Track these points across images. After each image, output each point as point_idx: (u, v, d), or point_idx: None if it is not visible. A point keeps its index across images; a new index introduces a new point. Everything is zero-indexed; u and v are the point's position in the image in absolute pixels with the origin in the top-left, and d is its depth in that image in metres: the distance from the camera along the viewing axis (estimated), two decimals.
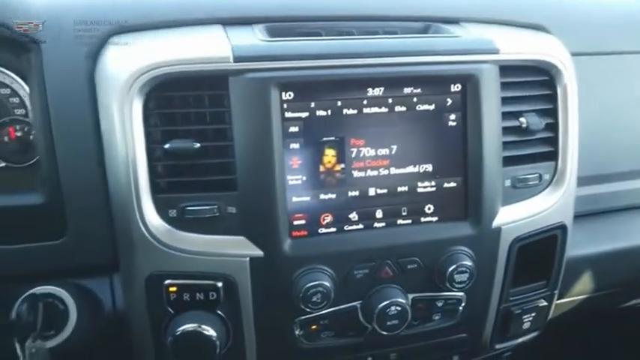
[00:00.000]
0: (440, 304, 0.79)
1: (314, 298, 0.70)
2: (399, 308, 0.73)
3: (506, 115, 0.78)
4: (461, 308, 0.80)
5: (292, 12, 0.79)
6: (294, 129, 0.70)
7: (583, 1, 1.00)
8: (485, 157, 0.75)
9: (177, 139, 0.68)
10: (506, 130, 0.79)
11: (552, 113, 0.83)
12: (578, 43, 0.89)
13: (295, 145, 0.70)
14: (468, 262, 0.75)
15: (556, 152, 0.83)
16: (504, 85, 0.78)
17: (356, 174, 0.73)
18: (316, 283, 0.70)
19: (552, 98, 0.83)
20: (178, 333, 0.69)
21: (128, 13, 0.73)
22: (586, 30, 0.94)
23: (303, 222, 0.72)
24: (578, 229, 0.90)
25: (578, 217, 0.90)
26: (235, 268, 0.70)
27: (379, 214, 0.75)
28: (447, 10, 0.85)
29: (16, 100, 0.79)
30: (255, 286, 0.71)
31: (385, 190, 0.74)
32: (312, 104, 0.70)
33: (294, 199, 0.71)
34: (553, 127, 0.83)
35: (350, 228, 0.74)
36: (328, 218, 0.73)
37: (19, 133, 0.79)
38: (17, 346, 0.67)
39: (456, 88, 0.74)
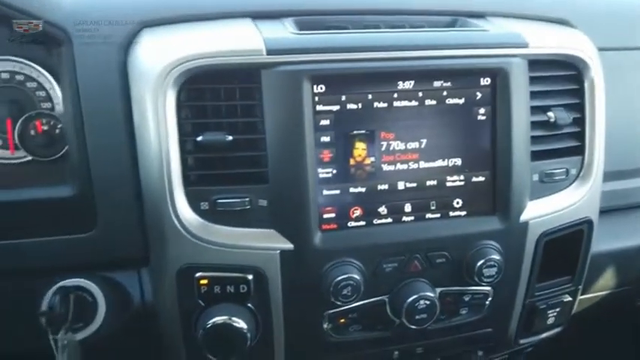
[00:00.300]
0: (467, 298, 0.79)
1: (344, 291, 0.70)
2: (427, 302, 0.73)
3: (534, 110, 0.78)
4: (487, 303, 0.80)
5: (320, 6, 0.80)
6: (325, 122, 0.70)
7: None
8: (514, 152, 0.75)
9: (209, 131, 0.68)
10: (534, 125, 0.79)
11: (579, 108, 0.83)
12: (604, 38, 0.89)
13: (326, 139, 0.70)
14: (497, 257, 0.75)
15: (583, 147, 0.83)
16: (532, 80, 0.78)
17: (385, 167, 0.73)
18: (346, 276, 0.70)
19: (579, 93, 0.82)
20: (209, 325, 0.69)
21: (159, 7, 0.73)
22: (611, 25, 0.93)
23: (332, 215, 0.72)
24: (601, 224, 0.90)
25: (603, 212, 0.90)
26: (266, 261, 0.70)
27: (408, 207, 0.75)
28: (473, 5, 0.85)
29: (42, 93, 0.80)
30: (285, 279, 0.71)
31: (414, 184, 0.74)
32: (343, 97, 0.70)
33: (325, 192, 0.71)
34: (580, 122, 0.83)
35: (379, 222, 0.74)
36: (357, 212, 0.73)
37: (45, 127, 0.80)
38: (50, 337, 0.67)
39: (485, 81, 0.74)
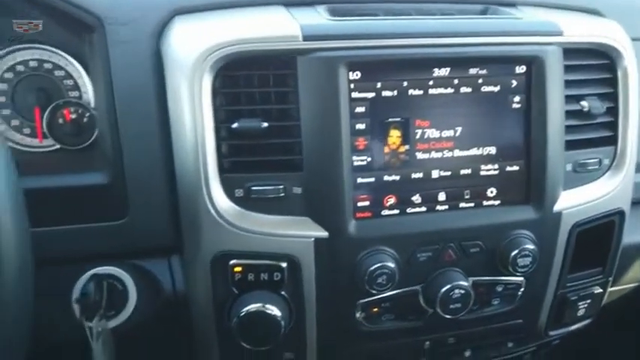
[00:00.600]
0: (499, 288, 0.78)
1: (379, 280, 0.69)
2: (462, 292, 0.72)
3: (567, 99, 0.78)
4: (520, 293, 0.80)
5: None
6: (360, 109, 0.69)
7: None
8: (548, 141, 0.75)
9: (244, 118, 0.68)
10: (567, 114, 0.78)
11: (612, 97, 0.82)
12: (635, 28, 0.88)
13: (361, 126, 0.70)
14: (531, 246, 0.75)
15: (616, 137, 0.82)
16: (566, 68, 0.77)
17: (420, 156, 0.72)
18: (381, 264, 0.70)
19: (613, 82, 0.81)
20: (243, 313, 0.69)
21: None
22: None
23: (367, 203, 0.72)
24: (632, 215, 0.88)
25: (634, 203, 0.89)
26: (300, 248, 0.70)
27: (442, 196, 0.74)
28: None
29: (70, 82, 0.80)
30: (318, 267, 0.71)
31: (448, 173, 0.74)
32: (379, 84, 0.69)
33: (359, 180, 0.71)
34: (613, 112, 0.82)
35: (413, 210, 0.73)
36: (391, 200, 0.73)
37: (73, 116, 0.79)
38: (85, 324, 0.67)
39: (520, 69, 0.74)
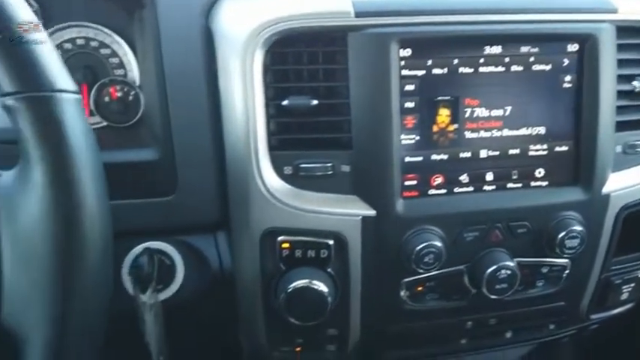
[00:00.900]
0: (544, 270, 0.78)
1: (426, 259, 0.69)
2: (509, 272, 0.72)
3: (619, 79, 0.75)
4: (564, 275, 0.79)
5: None
6: (410, 87, 0.69)
7: None
8: (599, 121, 0.73)
9: (294, 95, 0.68)
10: (618, 94, 0.76)
11: None
12: None
13: (410, 104, 0.69)
14: (579, 228, 0.74)
15: None
16: (619, 47, 0.74)
17: (468, 135, 0.72)
18: (428, 243, 0.69)
19: None
20: (290, 289, 0.70)
21: None
22: None
23: (414, 182, 0.71)
24: None
25: None
26: (347, 226, 0.70)
27: (490, 176, 0.73)
28: None
29: (115, 60, 0.80)
30: (365, 245, 0.71)
31: (497, 153, 0.73)
32: (429, 62, 0.69)
33: (407, 159, 0.71)
34: None
35: (460, 190, 0.73)
36: (439, 179, 0.72)
37: (119, 94, 0.80)
38: (139, 296, 0.69)
39: (573, 48, 0.72)
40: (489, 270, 0.72)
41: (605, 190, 0.77)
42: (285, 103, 0.67)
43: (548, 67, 0.72)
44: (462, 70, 0.70)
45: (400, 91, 0.68)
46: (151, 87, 0.74)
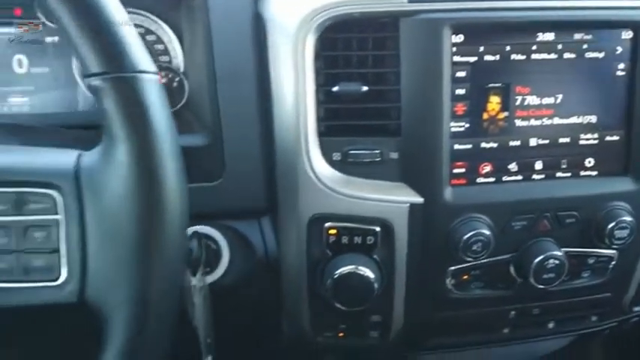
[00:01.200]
0: (591, 261, 0.77)
1: (474, 247, 0.69)
2: (556, 262, 0.71)
3: None
4: (611, 267, 0.78)
5: None
6: (461, 74, 0.68)
7: None
8: None
9: (344, 81, 0.67)
10: None
11: None
12: None
13: (461, 91, 0.69)
14: (628, 218, 0.73)
15: None
16: None
17: (518, 123, 0.71)
18: (476, 231, 0.69)
19: None
20: (337, 275, 0.70)
21: None
22: None
23: (462, 170, 0.71)
24: None
25: None
26: (394, 213, 0.70)
27: (539, 165, 0.73)
28: None
29: (160, 47, 0.81)
30: (411, 233, 0.71)
31: (547, 141, 0.72)
32: (481, 48, 0.68)
33: (456, 146, 0.70)
34: None
35: (508, 179, 0.72)
36: (487, 168, 0.72)
37: (163, 80, 0.81)
38: (190, 279, 0.70)
39: (627, 35, 0.70)
40: (537, 259, 0.71)
41: None
42: (335, 89, 0.67)
43: (601, 55, 0.71)
44: (514, 56, 0.69)
45: (451, 77, 0.67)
46: (198, 73, 0.75)
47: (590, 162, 0.74)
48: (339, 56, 0.68)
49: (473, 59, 0.68)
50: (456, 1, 0.66)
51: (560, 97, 0.71)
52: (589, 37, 0.70)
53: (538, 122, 0.71)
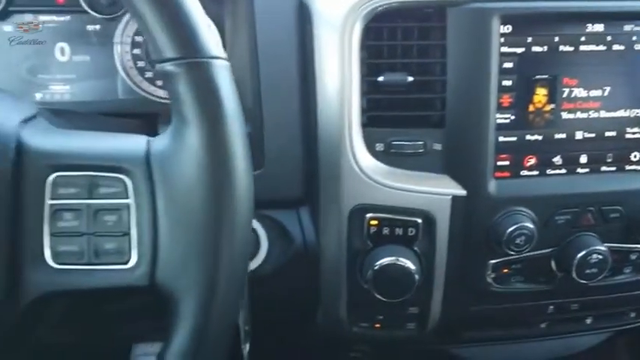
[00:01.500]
0: (633, 257, 0.76)
1: (517, 240, 0.68)
2: (600, 257, 0.70)
3: None
4: None
5: None
6: (508, 65, 0.67)
7: None
8: None
9: (390, 72, 0.67)
10: None
11: None
12: None
13: (507, 82, 0.67)
14: None
15: None
16: None
17: (565, 115, 0.70)
18: (520, 225, 0.68)
19: None
20: (377, 266, 0.69)
21: None
22: None
23: (507, 163, 0.70)
24: None
25: None
26: (436, 205, 0.70)
27: (584, 159, 0.71)
28: None
29: None
30: (453, 225, 0.70)
31: (592, 135, 0.71)
32: (529, 39, 0.67)
33: (501, 138, 0.69)
34: None
35: (553, 172, 0.71)
36: (532, 160, 0.71)
37: None
38: None
39: None
40: (580, 254, 0.70)
41: None
42: (380, 79, 0.67)
43: None
44: (562, 48, 0.68)
45: (499, 68, 0.66)
46: (239, 62, 0.75)
47: (635, 156, 0.72)
48: (384, 46, 0.68)
49: (520, 50, 0.67)
50: None
51: (607, 89, 0.70)
52: (639, 28, 0.68)
53: (584, 115, 0.70)
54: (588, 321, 0.82)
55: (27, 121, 0.46)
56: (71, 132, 0.49)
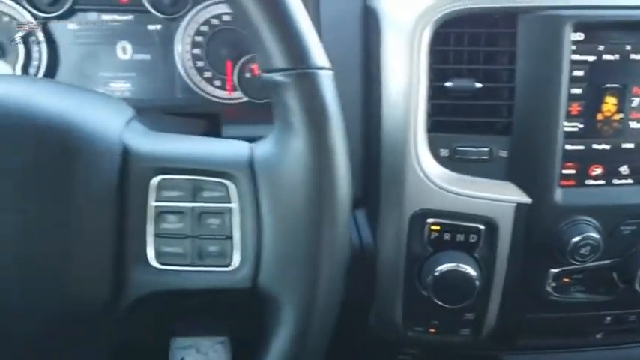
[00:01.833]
0: None
1: (582, 250, 0.68)
2: None
3: None
4: None
5: None
6: (578, 73, 0.66)
7: None
8: None
9: (458, 77, 0.67)
10: None
11: None
12: None
13: (577, 91, 0.67)
14: None
15: None
16: None
17: (633, 125, 0.69)
18: (586, 234, 0.67)
19: None
20: (438, 272, 0.69)
21: None
22: None
23: (572, 172, 0.69)
24: None
25: None
26: (500, 212, 0.69)
27: None
28: None
29: None
30: (515, 233, 0.70)
31: None
32: (601, 47, 0.66)
33: (567, 147, 0.68)
34: None
35: (619, 182, 0.70)
36: (598, 170, 0.70)
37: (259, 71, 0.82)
38: None
39: None
40: None
41: None
42: (448, 84, 0.67)
43: None
44: (633, 57, 0.67)
45: (569, 76, 0.66)
46: None
47: None
48: (452, 52, 0.68)
49: (592, 58, 0.66)
50: None
51: None
52: None
53: None
54: None
55: (128, 123, 0.48)
56: (171, 135, 0.50)
